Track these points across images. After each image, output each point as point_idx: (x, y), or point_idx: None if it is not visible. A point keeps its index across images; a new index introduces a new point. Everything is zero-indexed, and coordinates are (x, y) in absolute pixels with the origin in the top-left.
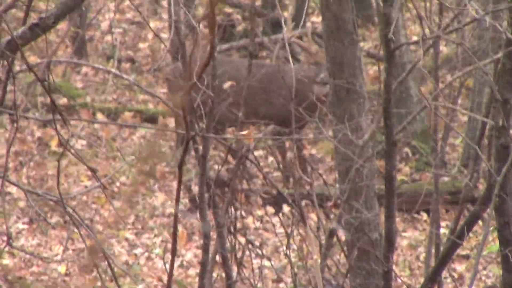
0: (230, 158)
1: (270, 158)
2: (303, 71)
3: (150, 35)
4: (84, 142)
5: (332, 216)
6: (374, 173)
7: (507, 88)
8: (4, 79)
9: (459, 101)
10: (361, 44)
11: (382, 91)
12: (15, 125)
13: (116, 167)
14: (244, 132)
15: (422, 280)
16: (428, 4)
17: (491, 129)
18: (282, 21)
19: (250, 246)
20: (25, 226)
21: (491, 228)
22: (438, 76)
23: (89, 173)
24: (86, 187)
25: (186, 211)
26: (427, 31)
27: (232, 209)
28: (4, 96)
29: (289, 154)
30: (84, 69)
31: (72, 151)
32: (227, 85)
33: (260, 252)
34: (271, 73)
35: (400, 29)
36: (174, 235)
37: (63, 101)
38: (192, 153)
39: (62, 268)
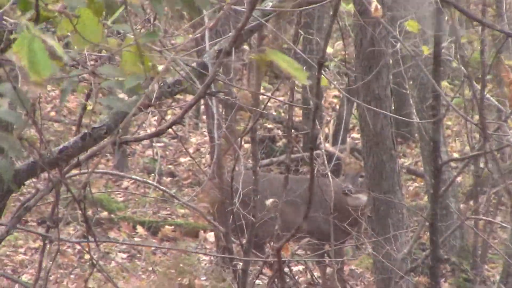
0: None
1: (314, 273)
2: (336, 184)
3: (191, 150)
4: (124, 255)
5: None
6: None
7: None
8: (55, 196)
9: (499, 218)
10: (401, 160)
11: (428, 207)
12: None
13: (155, 281)
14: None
15: None
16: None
17: None
18: (320, 136)
19: None
20: None
21: None
22: (477, 193)
23: (128, 286)
24: None
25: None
26: (467, 148)
27: None
28: (53, 213)
29: (329, 269)
30: (125, 183)
31: (104, 272)
32: (269, 201)
33: None
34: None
35: (441, 146)
36: None
37: (103, 214)
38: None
39: None
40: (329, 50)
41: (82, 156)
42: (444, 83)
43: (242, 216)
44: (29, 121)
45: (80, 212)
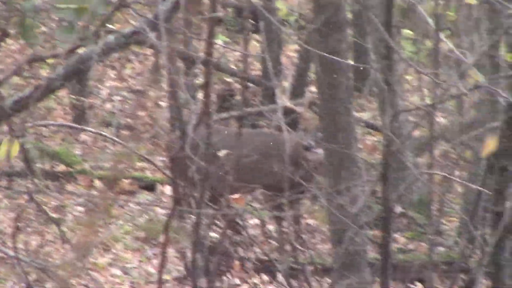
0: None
1: (269, 226)
2: (294, 139)
3: (149, 103)
4: (82, 208)
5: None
6: (367, 242)
7: (505, 155)
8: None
9: (457, 172)
10: (360, 114)
11: (381, 158)
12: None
13: (113, 234)
14: (236, 196)
15: None
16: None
17: (487, 199)
18: (277, 90)
19: None
20: None
21: None
22: (433, 146)
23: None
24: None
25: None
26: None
27: (226, 275)
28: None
29: (284, 223)
30: (83, 136)
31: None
32: (222, 153)
33: None
34: (269, 141)
35: (398, 100)
36: None
37: (61, 167)
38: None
39: None
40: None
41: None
42: (407, 32)
43: (198, 170)
44: None
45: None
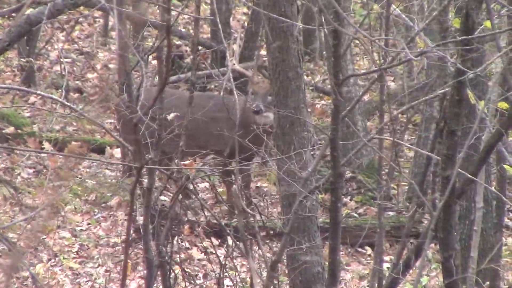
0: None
1: (220, 190)
2: (244, 102)
3: (98, 66)
4: (31, 171)
5: (275, 248)
6: (317, 206)
7: (454, 119)
8: None
9: (406, 136)
10: (309, 78)
11: (330, 122)
12: None
13: (62, 196)
14: (186, 162)
15: None
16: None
17: (436, 164)
18: (227, 53)
19: (189, 277)
20: None
21: (433, 266)
22: (383, 111)
23: (36, 201)
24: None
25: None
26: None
27: (175, 239)
28: None
29: (235, 186)
30: (32, 98)
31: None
32: (171, 116)
33: (195, 282)
34: (219, 105)
35: (348, 64)
36: (125, 264)
37: (10, 129)
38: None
39: None
40: None
41: None
42: None
43: (149, 134)
44: None
45: None
